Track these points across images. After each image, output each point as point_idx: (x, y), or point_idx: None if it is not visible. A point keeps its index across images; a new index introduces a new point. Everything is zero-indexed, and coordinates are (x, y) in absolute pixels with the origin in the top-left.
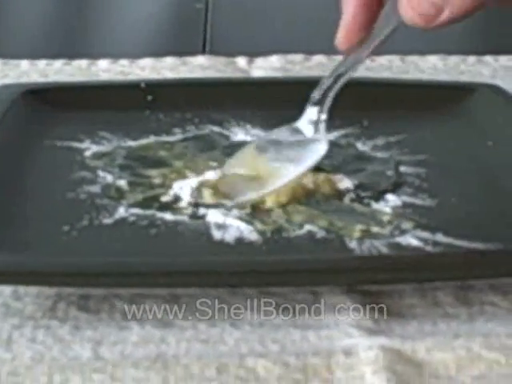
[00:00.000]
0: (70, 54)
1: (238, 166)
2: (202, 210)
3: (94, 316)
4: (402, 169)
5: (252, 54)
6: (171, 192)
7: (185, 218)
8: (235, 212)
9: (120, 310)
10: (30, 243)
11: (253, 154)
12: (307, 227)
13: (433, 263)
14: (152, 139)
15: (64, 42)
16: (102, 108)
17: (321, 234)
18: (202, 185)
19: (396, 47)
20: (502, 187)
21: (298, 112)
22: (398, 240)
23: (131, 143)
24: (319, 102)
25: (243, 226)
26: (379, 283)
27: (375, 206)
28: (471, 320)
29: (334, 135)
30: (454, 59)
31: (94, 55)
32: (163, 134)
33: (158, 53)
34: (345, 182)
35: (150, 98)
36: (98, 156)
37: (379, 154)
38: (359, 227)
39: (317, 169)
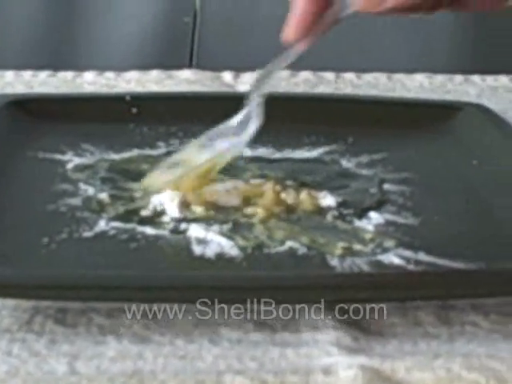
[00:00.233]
0: (56, 65)
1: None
2: (183, 225)
3: (71, 330)
4: (386, 186)
5: (239, 68)
6: (150, 206)
7: (165, 233)
8: (216, 227)
9: (97, 325)
10: (7, 255)
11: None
12: (289, 244)
13: (414, 282)
14: (135, 152)
15: (50, 53)
16: (86, 120)
17: (302, 250)
18: (186, 201)
19: (383, 65)
20: (485, 207)
21: (282, 126)
22: (380, 258)
23: (114, 156)
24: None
25: (224, 241)
26: (360, 301)
27: (358, 223)
28: (452, 340)
29: (318, 152)
30: (440, 78)
31: (79, 67)
32: (147, 147)
33: (145, 66)
34: (328, 199)
35: (134, 110)
36: (80, 168)
37: (363, 172)
38: (341, 244)
39: (300, 184)
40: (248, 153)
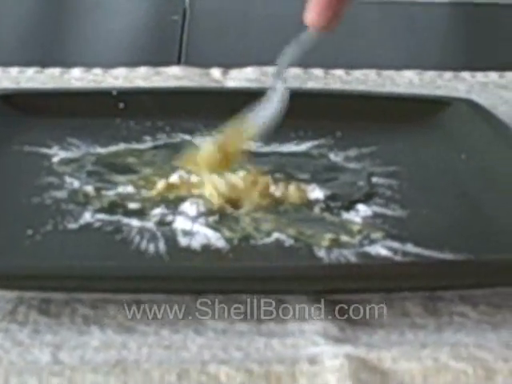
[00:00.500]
0: (43, 62)
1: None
2: (169, 217)
3: (54, 320)
4: (374, 180)
5: (227, 65)
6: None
7: (151, 225)
8: (203, 219)
9: (81, 315)
10: None
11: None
12: (275, 235)
13: (401, 273)
14: (122, 146)
15: (37, 49)
16: (73, 115)
17: (289, 242)
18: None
19: (372, 61)
20: (472, 199)
21: None
22: (367, 249)
23: (100, 150)
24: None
25: (210, 233)
26: (347, 292)
27: (345, 215)
28: (439, 330)
29: (306, 145)
30: (430, 74)
31: (67, 64)
32: (133, 141)
33: (133, 63)
34: (316, 192)
35: (121, 105)
36: (65, 162)
37: (351, 165)
38: (328, 236)
39: (289, 178)
40: None
